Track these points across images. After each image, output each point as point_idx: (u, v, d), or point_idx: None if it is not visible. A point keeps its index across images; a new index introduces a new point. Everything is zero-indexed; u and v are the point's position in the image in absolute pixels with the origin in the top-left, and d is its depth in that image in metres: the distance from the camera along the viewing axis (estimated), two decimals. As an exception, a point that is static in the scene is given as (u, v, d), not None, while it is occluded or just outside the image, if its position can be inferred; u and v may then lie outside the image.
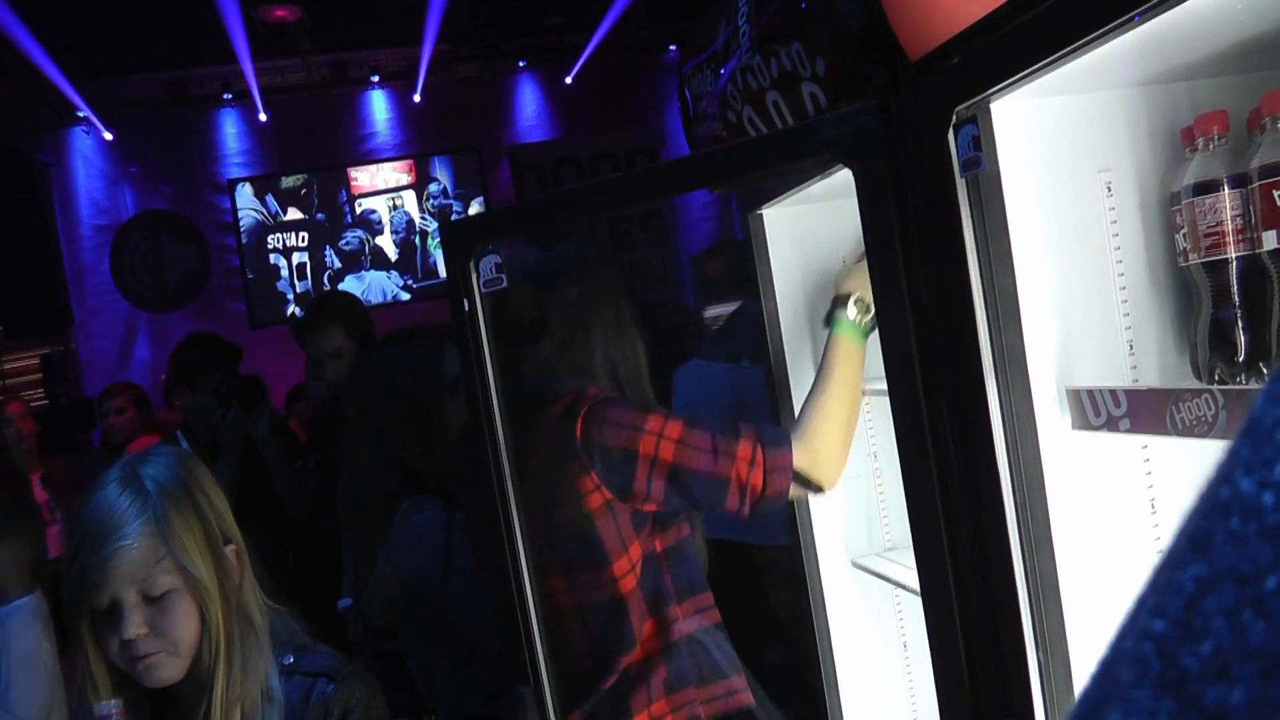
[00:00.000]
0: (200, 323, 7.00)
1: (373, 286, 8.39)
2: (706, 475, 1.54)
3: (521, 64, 8.56)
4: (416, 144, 8.51)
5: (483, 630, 1.97)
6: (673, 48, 7.99)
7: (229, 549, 1.39)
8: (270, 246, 8.27)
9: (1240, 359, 1.02)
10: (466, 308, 1.70)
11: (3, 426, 4.40)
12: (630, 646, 1.64)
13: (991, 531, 1.17)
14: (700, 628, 1.71)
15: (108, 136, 7.91)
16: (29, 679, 2.60)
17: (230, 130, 8.30)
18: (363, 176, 8.43)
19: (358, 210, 8.39)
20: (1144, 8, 0.87)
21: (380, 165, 8.46)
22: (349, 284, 8.33)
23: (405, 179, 8.52)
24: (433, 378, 2.07)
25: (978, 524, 1.19)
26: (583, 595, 1.67)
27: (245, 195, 8.25)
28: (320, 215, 8.34)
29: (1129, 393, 1.05)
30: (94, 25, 6.52)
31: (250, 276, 8.19)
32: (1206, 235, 1.03)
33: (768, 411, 1.90)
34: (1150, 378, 1.18)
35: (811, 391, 1.60)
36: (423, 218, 8.44)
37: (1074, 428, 1.13)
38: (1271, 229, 0.96)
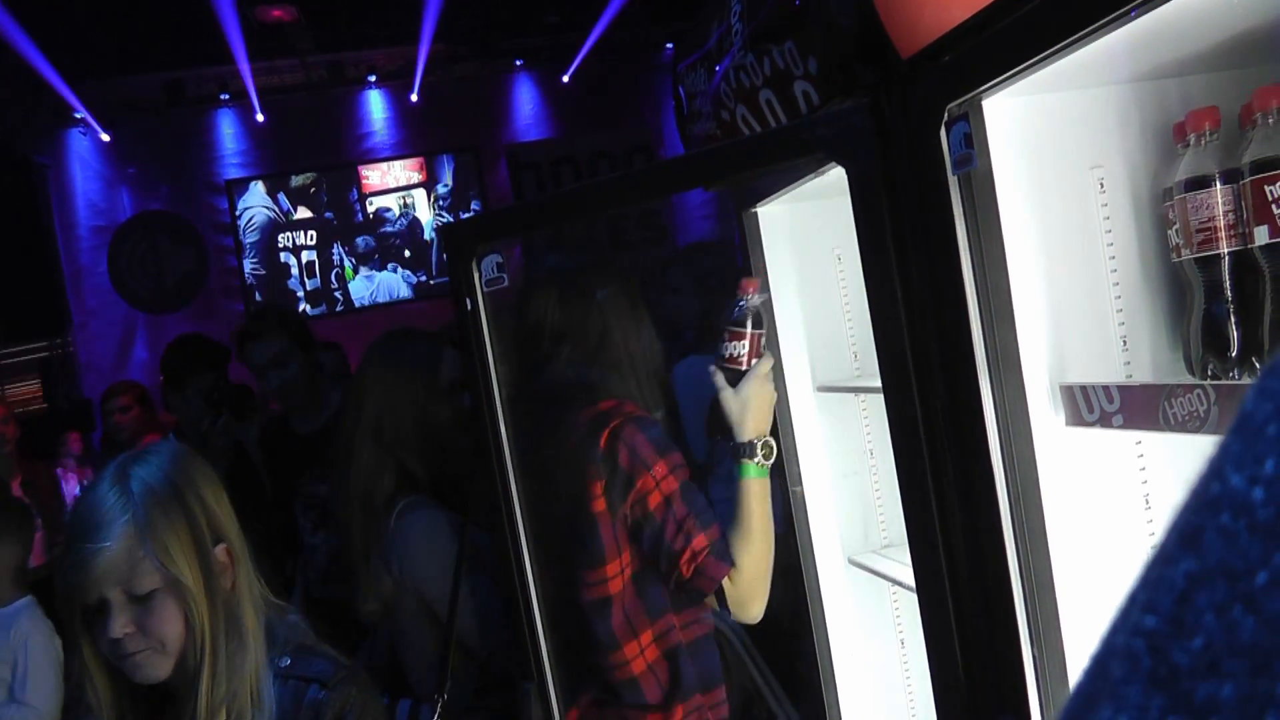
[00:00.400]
0: (199, 324, 6.97)
1: (382, 286, 8.38)
2: (661, 536, 1.67)
3: (519, 63, 8.54)
4: (415, 144, 8.50)
5: (475, 632, 1.98)
6: (670, 46, 7.98)
7: (219, 548, 1.38)
8: (280, 245, 8.27)
9: (1232, 354, 1.03)
10: (469, 306, 1.71)
11: None
12: (615, 646, 1.71)
13: (986, 528, 1.17)
14: (695, 637, 1.78)
15: (105, 138, 7.88)
16: (45, 673, 2.62)
17: (228, 131, 8.27)
18: (374, 175, 8.42)
19: (369, 209, 8.39)
20: (1136, 4, 0.87)
21: (391, 164, 8.45)
22: (358, 284, 8.33)
23: (416, 177, 8.50)
24: (428, 378, 2.07)
25: (972, 521, 1.19)
26: (576, 590, 1.74)
27: (257, 194, 8.24)
28: (329, 214, 8.34)
29: (1122, 389, 1.06)
30: (90, 26, 6.52)
31: (263, 273, 8.20)
32: (1199, 231, 1.03)
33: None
34: (1143, 374, 1.18)
35: (734, 535, 1.68)
36: (438, 215, 8.43)
37: (1068, 424, 1.13)
38: (1263, 224, 0.97)
